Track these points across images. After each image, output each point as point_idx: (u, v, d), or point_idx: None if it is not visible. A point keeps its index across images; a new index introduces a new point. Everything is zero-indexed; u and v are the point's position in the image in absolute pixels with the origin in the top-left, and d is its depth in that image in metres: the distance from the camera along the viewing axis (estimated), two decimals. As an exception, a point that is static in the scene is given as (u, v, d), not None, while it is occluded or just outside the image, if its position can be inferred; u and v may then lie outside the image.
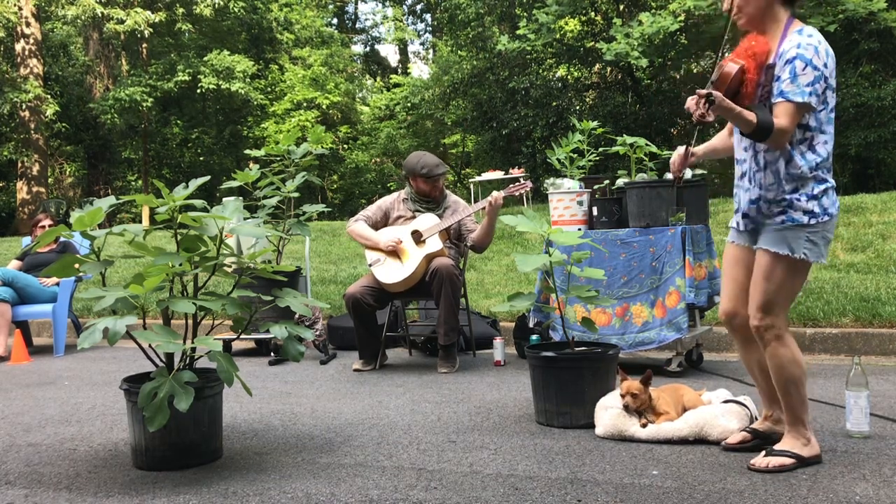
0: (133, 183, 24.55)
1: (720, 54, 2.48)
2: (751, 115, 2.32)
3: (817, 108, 2.36)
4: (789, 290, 2.44)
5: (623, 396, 2.88)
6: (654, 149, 4.43)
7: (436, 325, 4.61)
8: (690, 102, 2.35)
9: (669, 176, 4.32)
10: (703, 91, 2.30)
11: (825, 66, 2.34)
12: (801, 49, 2.33)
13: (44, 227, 6.15)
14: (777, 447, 2.49)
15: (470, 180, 13.91)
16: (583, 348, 3.32)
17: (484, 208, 4.51)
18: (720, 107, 2.29)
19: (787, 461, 2.43)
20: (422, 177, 4.59)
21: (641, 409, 2.88)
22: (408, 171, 4.67)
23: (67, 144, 21.85)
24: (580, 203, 4.32)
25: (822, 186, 2.40)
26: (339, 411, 3.49)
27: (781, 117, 2.32)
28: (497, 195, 4.48)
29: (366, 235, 4.62)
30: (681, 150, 2.69)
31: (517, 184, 4.66)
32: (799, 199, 2.39)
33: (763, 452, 2.49)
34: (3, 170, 20.63)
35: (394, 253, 4.54)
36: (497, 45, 14.23)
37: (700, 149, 2.74)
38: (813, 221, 2.38)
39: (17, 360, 5.35)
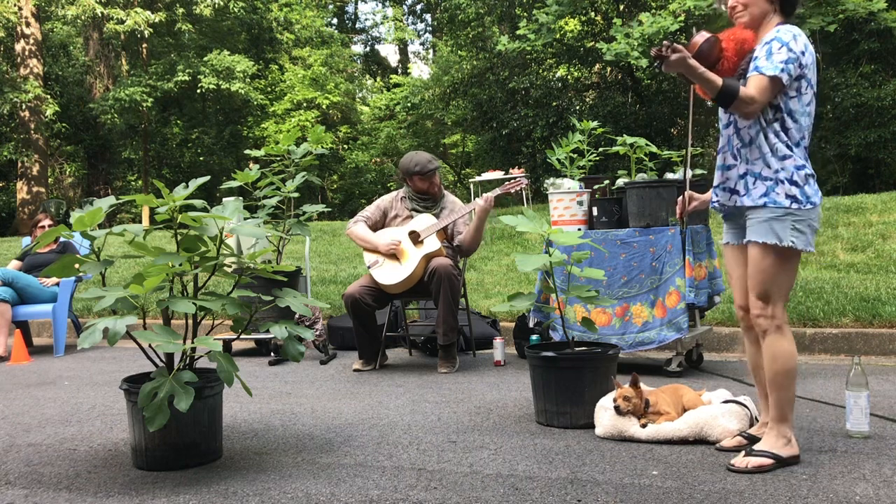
0: (133, 183, 24.54)
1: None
2: (717, 78, 2.41)
3: (788, 87, 2.44)
4: (783, 279, 2.49)
5: (615, 399, 2.89)
6: (654, 149, 4.43)
7: (435, 325, 4.61)
8: (654, 50, 2.45)
9: (670, 176, 4.33)
10: (666, 42, 2.42)
11: (802, 53, 2.43)
12: (779, 34, 2.45)
13: (44, 227, 6.15)
14: (757, 447, 2.49)
15: (470, 180, 13.90)
16: (583, 348, 3.32)
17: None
18: (684, 63, 2.38)
19: (766, 461, 2.44)
20: (416, 174, 4.60)
21: (635, 412, 2.88)
22: (403, 172, 4.68)
23: (67, 144, 21.85)
24: (580, 203, 4.32)
25: (803, 172, 2.46)
26: (339, 411, 3.49)
27: (751, 88, 2.42)
28: (488, 196, 4.47)
29: (365, 238, 4.62)
30: (679, 200, 2.88)
31: (512, 181, 4.64)
32: (782, 181, 2.45)
33: (743, 452, 2.50)
34: (3, 170, 20.62)
35: (393, 254, 4.54)
36: (497, 45, 14.24)
37: (705, 196, 2.84)
38: (795, 207, 2.44)
39: (17, 360, 5.35)
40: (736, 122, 2.55)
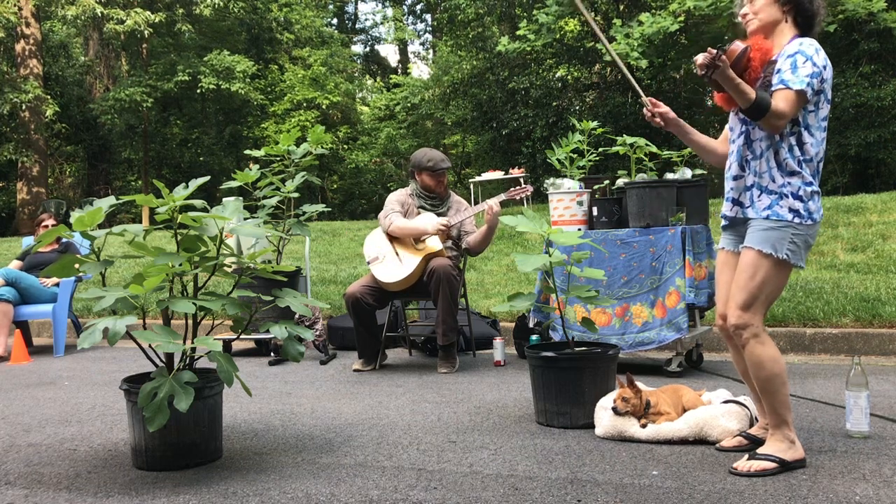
0: (133, 183, 24.54)
1: (726, 41, 2.54)
2: (751, 91, 2.39)
3: (811, 102, 2.42)
4: (770, 290, 2.47)
5: (614, 400, 2.89)
6: (654, 149, 4.43)
7: (435, 326, 4.61)
8: (701, 58, 2.39)
9: (670, 176, 4.33)
10: (714, 50, 2.37)
11: (824, 67, 2.43)
12: (804, 47, 2.44)
13: (47, 226, 6.16)
14: (760, 451, 2.48)
15: (470, 180, 13.90)
16: (583, 348, 3.32)
17: (484, 211, 4.49)
18: (724, 74, 2.36)
19: (770, 465, 2.42)
20: (427, 170, 4.60)
21: (634, 413, 2.88)
22: (413, 166, 4.68)
23: (67, 145, 21.86)
24: (580, 203, 4.32)
25: (809, 189, 2.45)
26: (339, 411, 3.49)
27: (780, 102, 2.40)
28: (495, 204, 4.45)
29: (411, 227, 4.53)
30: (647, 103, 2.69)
31: (518, 188, 4.63)
32: (787, 195, 2.44)
33: (746, 456, 2.49)
34: (3, 170, 20.62)
35: (394, 252, 4.54)
36: (497, 45, 14.24)
37: (682, 123, 2.71)
38: (797, 221, 2.43)
39: (17, 360, 5.35)
40: (748, 133, 2.52)
